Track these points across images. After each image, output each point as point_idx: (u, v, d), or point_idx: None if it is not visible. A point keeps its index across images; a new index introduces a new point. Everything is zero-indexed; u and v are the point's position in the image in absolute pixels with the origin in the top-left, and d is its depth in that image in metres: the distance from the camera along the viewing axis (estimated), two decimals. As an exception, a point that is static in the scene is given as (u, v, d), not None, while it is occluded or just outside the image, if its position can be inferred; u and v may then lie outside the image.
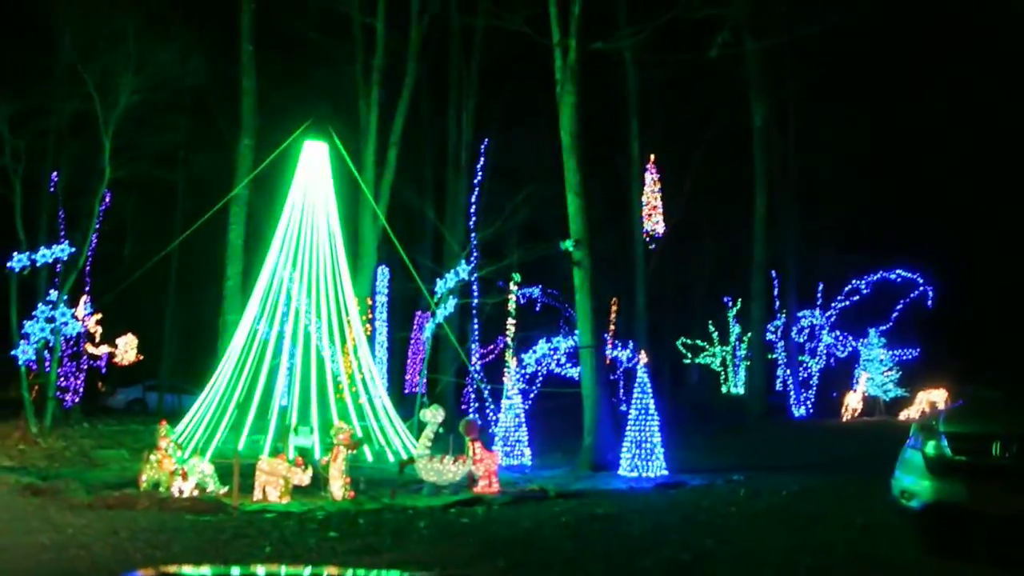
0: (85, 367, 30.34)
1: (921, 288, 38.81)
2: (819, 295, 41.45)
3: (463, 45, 31.98)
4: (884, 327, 39.01)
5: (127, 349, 32.81)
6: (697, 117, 39.83)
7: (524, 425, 20.91)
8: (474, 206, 30.33)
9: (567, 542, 9.86)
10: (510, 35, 31.70)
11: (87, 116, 23.81)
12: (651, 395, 18.81)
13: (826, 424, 31.04)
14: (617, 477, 18.31)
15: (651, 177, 44.11)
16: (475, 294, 29.78)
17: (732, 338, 50.47)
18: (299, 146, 19.82)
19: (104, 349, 32.25)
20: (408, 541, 9.93)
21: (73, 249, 21.31)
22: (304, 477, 14.25)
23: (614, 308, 41.79)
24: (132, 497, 13.19)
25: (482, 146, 30.07)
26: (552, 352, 28.21)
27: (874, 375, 31.70)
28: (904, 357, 32.68)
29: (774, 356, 41.73)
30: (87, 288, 28.70)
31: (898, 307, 39.35)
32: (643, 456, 18.33)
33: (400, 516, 12.07)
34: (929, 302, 38.93)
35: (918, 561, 8.57)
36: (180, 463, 14.24)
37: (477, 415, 20.75)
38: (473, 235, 29.78)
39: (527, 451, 20.68)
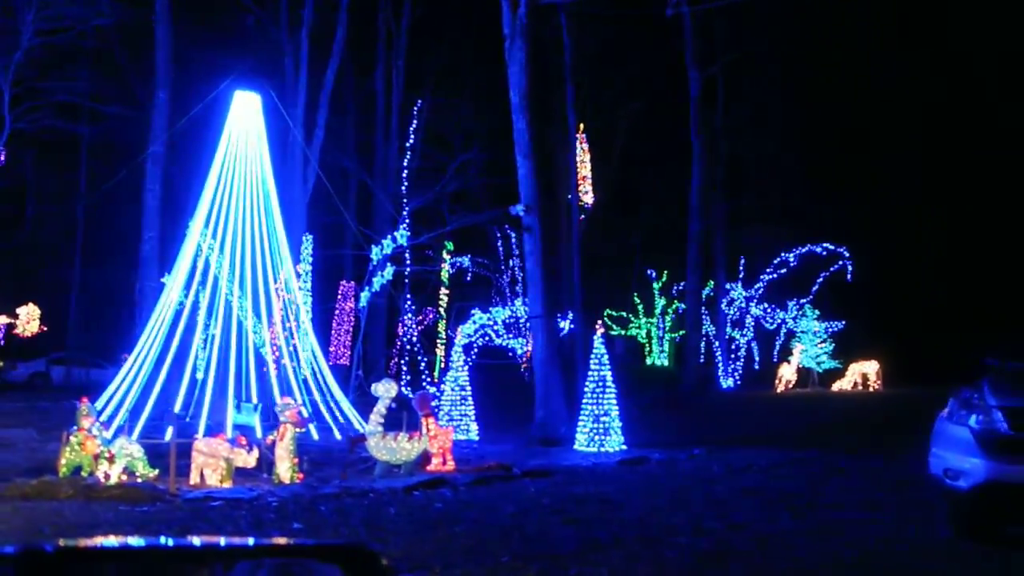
0: (-20, 339, 27.92)
1: (842, 262, 39.30)
2: (741, 268, 41.63)
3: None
4: (805, 299, 39.44)
5: (29, 319, 30.30)
6: (627, 87, 39.15)
7: (471, 399, 19.88)
8: (405, 171, 28.95)
9: (564, 529, 8.92)
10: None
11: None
12: (608, 366, 18.01)
13: (761, 396, 31.02)
14: (574, 452, 17.48)
15: (580, 147, 43.30)
16: (408, 263, 28.46)
17: (657, 310, 50.45)
18: (224, 101, 18.16)
19: (2, 320, 29.69)
20: (385, 532, 8.82)
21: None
22: (249, 459, 12.91)
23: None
24: (52, 485, 11.62)
25: (415, 108, 28.65)
26: (491, 323, 27.19)
27: (808, 347, 31.80)
28: (831, 329, 32.92)
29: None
30: (-19, 254, 26.22)
31: (819, 280, 39.83)
32: (601, 431, 17.54)
33: (363, 501, 10.93)
34: (848, 276, 39.48)
35: (954, 544, 7.92)
36: (105, 445, 12.69)
37: (426, 389, 19.61)
38: (405, 201, 28.39)
39: (474, 426, 19.69)
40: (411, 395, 17.53)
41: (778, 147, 41.11)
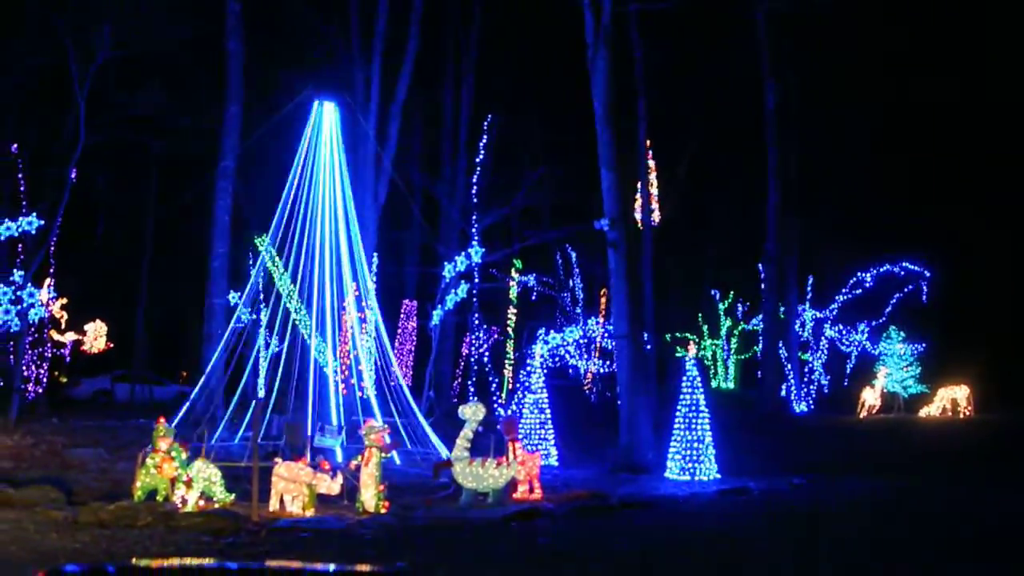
0: (48, 356, 27.65)
1: (917, 282, 37.65)
2: (809, 288, 40.09)
3: (462, 10, 29.66)
4: (877, 320, 37.81)
5: (96, 336, 30.16)
6: (696, 101, 38.10)
7: (550, 422, 18.96)
8: (475, 187, 28.23)
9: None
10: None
11: (55, 78, 21.26)
12: (701, 390, 16.97)
13: (841, 421, 29.48)
14: (665, 480, 16.46)
15: (644, 162, 42.28)
16: (476, 281, 27.66)
17: (722, 332, 49.01)
18: (295, 115, 17.68)
19: (70, 336, 29.53)
20: (505, 573, 7.89)
21: (42, 222, 18.79)
22: (333, 485, 12.15)
23: (603, 297, 40.05)
24: (130, 511, 10.94)
25: (484, 123, 27.94)
26: (563, 343, 26.23)
27: (893, 371, 30.26)
28: (916, 352, 31.31)
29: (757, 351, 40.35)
30: (51, 270, 25.97)
31: (892, 300, 38.20)
32: (694, 458, 16.48)
33: (461, 535, 10.04)
34: (924, 297, 37.77)
35: None
36: (183, 468, 12.02)
37: (515, 412, 18.68)
38: (475, 217, 27.62)
39: (553, 451, 18.74)
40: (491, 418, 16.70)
41: (854, 160, 39.68)
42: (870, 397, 29.77)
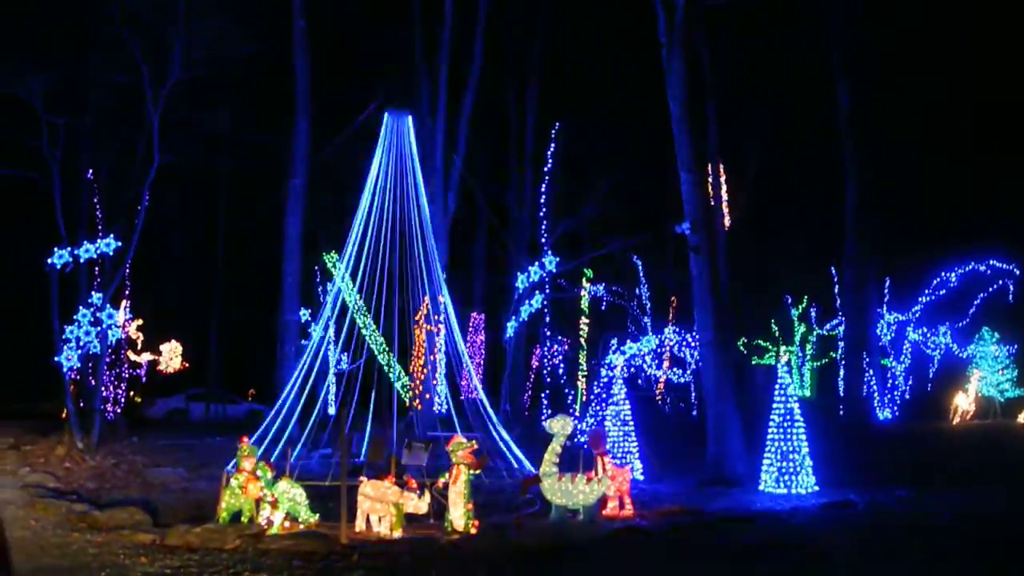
0: (126, 376, 27.97)
1: (1002, 281, 36.00)
2: (886, 291, 38.63)
3: (526, 18, 29.30)
4: (961, 322, 36.26)
5: (172, 356, 30.49)
6: (764, 103, 37.16)
7: (634, 434, 18.31)
8: (543, 196, 27.77)
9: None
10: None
11: (129, 98, 21.41)
12: (795, 398, 16.19)
13: (932, 428, 28.17)
14: (760, 494, 15.70)
15: (714, 169, 41.37)
16: (547, 291, 27.15)
17: (796, 338, 47.69)
18: (365, 131, 17.43)
19: (146, 357, 29.87)
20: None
21: (119, 244, 18.88)
22: (421, 504, 11.71)
23: (672, 306, 39.19)
24: (217, 534, 10.66)
25: (552, 131, 27.49)
26: (639, 353, 25.55)
27: (987, 374, 28.84)
28: (1011, 353, 29.80)
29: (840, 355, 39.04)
30: (127, 292, 26.26)
31: (976, 301, 36.60)
32: (790, 469, 15.68)
33: (566, 557, 9.48)
34: (1011, 296, 36.07)
35: None
36: (269, 488, 11.71)
37: (598, 424, 18.10)
38: (544, 226, 27.12)
39: (638, 464, 18.08)
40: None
41: (933, 158, 38.22)
42: (963, 402, 28.41)
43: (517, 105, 29.71)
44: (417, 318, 20.62)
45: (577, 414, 28.70)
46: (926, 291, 36.76)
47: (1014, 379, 28.66)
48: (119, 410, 26.45)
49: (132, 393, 32.95)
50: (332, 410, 26.55)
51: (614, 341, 32.03)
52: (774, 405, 16.21)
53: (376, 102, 17.57)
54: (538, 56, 29.68)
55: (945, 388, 34.05)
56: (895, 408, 35.39)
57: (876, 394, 35.35)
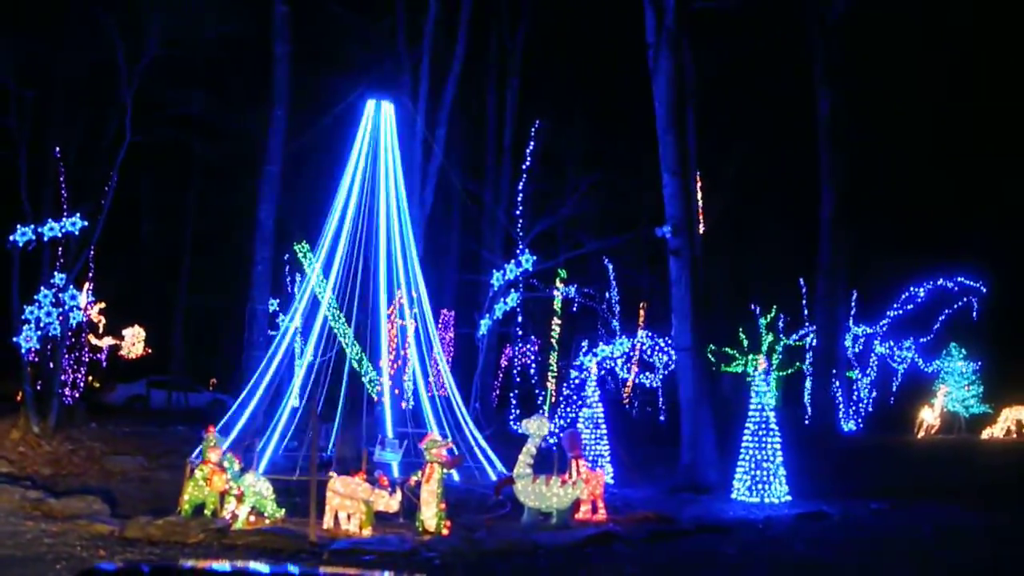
0: (86, 360, 27.22)
1: (967, 298, 36.38)
2: (853, 302, 38.84)
3: (510, 12, 28.93)
4: (925, 337, 36.63)
5: (134, 341, 29.68)
6: (743, 110, 37.16)
7: (606, 438, 18.11)
8: (520, 194, 27.52)
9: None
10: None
11: (101, 74, 20.79)
12: (771, 407, 16.07)
13: (897, 441, 28.32)
14: (732, 502, 15.56)
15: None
16: (520, 290, 26.86)
17: (764, 347, 47.86)
18: (343, 119, 17.02)
19: (108, 341, 29.07)
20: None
21: (85, 223, 18.28)
22: (392, 502, 11.39)
23: (642, 310, 39.14)
24: (180, 528, 10.25)
25: (532, 128, 27.23)
26: (611, 356, 25.37)
27: (954, 389, 29.04)
28: (978, 370, 30.04)
29: (803, 366, 39.28)
30: (90, 274, 25.55)
31: (941, 317, 36.97)
32: (763, 478, 15.55)
33: (538, 562, 9.21)
34: (975, 313, 36.48)
35: None
36: (236, 481, 11.31)
37: (575, 426, 17.78)
38: (520, 224, 26.87)
39: (609, 468, 17.87)
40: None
41: (903, 171, 38.47)
42: (929, 416, 28.58)
43: (497, 101, 29.37)
44: (390, 311, 20.28)
45: (546, 415, 28.46)
46: (895, 305, 37.01)
47: (979, 395, 28.87)
48: (77, 395, 25.73)
49: (91, 378, 32.17)
50: (296, 402, 26.11)
51: (584, 343, 31.93)
52: (750, 413, 16.08)
53: (360, 89, 17.09)
54: (519, 51, 29.36)
55: (908, 402, 34.32)
56: (859, 420, 35.63)
57: (841, 406, 35.54)
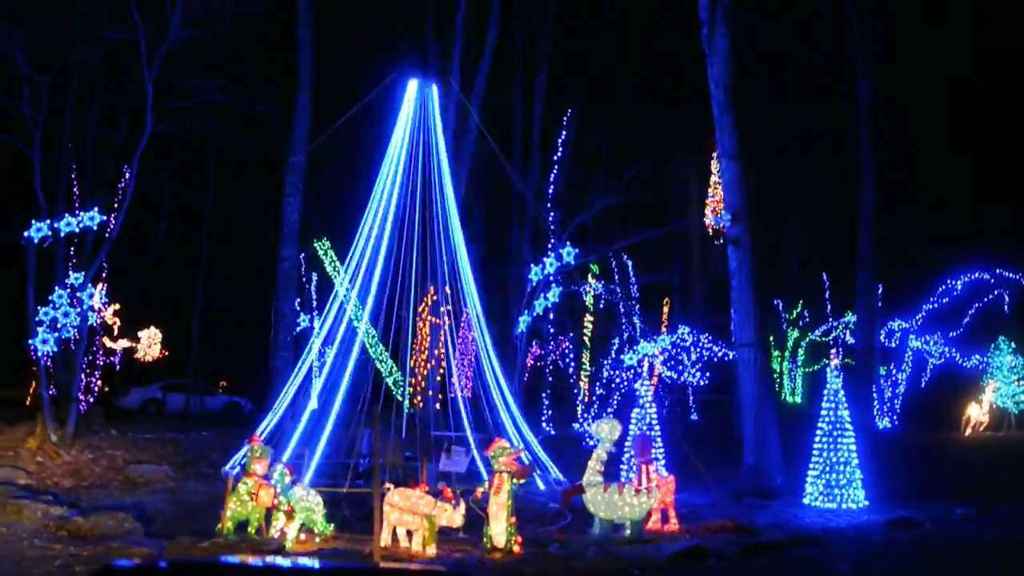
0: (100, 363, 26.14)
1: (998, 291, 35.27)
2: (879, 296, 37.69)
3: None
4: (955, 331, 35.51)
5: (150, 343, 28.59)
6: (774, 96, 35.98)
7: (660, 439, 16.97)
8: (552, 187, 26.43)
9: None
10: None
11: (118, 60, 19.72)
12: (846, 406, 14.96)
13: (941, 439, 27.11)
14: (805, 508, 14.48)
15: (717, 167, 40.23)
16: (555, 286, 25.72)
17: (789, 343, 46.75)
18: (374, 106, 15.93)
19: (123, 343, 27.97)
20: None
21: (104, 218, 17.21)
22: (455, 516, 10.30)
23: (665, 306, 37.99)
24: (227, 549, 9.16)
25: (564, 118, 26.13)
26: (651, 354, 24.25)
27: (1003, 385, 27.88)
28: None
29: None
30: (104, 274, 24.43)
31: (971, 309, 35.86)
32: (840, 482, 14.44)
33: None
34: (1006, 307, 35.37)
35: None
36: (286, 496, 10.22)
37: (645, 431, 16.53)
38: (552, 217, 25.76)
39: (664, 472, 16.73)
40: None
41: (937, 162, 37.31)
42: (976, 413, 27.38)
43: (524, 88, 28.20)
44: (421, 309, 19.19)
45: (579, 417, 27.39)
46: (931, 298, 35.86)
47: (1032, 391, 27.65)
48: (91, 399, 24.62)
49: (100, 382, 31.09)
50: (315, 404, 25.13)
51: (615, 341, 30.82)
52: (822, 412, 15.00)
53: (393, 74, 15.98)
54: (548, 39, 28.20)
55: (942, 398, 33.11)
56: (893, 417, 34.49)
57: (876, 403, 34.40)
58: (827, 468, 14.56)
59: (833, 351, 16.34)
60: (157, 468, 16.50)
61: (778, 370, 47.64)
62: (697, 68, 30.10)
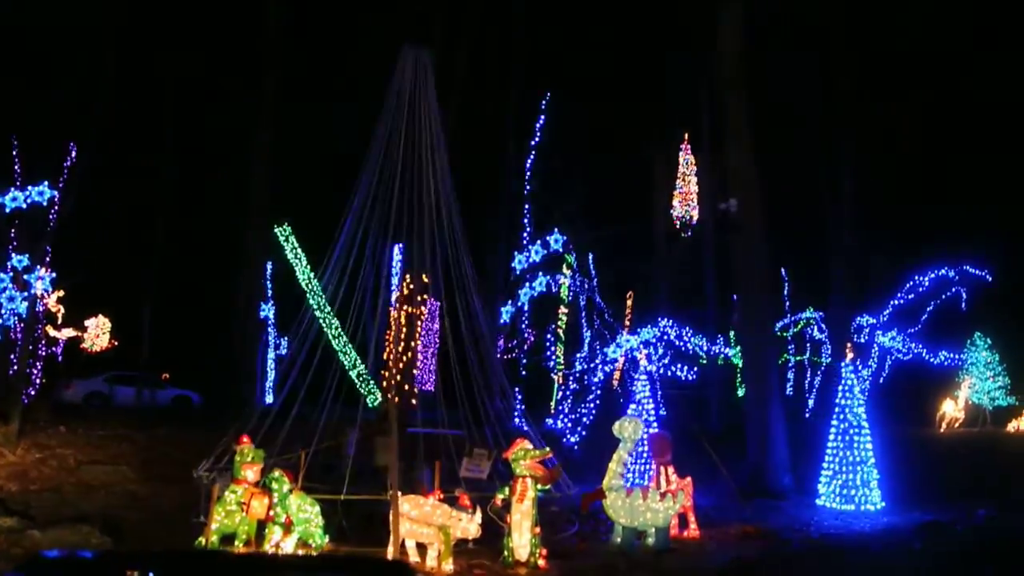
0: (42, 354, 24.26)
1: (955, 289, 35.33)
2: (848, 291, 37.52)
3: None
4: (913, 328, 35.49)
5: (98, 333, 26.69)
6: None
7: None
8: (528, 173, 25.37)
9: None
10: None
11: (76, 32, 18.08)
12: (861, 402, 14.21)
13: (917, 435, 26.74)
14: (820, 509, 13.71)
15: (685, 158, 39.70)
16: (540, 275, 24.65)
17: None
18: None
19: (68, 332, 26.08)
20: None
21: (54, 192, 15.66)
22: (471, 526, 9.19)
23: (629, 300, 37.27)
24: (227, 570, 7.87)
25: (542, 103, 25.10)
26: (632, 348, 23.39)
27: (978, 381, 27.66)
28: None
29: (789, 357, 37.92)
30: (47, 258, 22.60)
31: (929, 308, 35.87)
32: (856, 482, 13.68)
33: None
34: (963, 304, 35.43)
35: None
36: (283, 506, 8.99)
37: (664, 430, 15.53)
38: (527, 207, 24.72)
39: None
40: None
41: (904, 157, 37.20)
42: (951, 409, 27.09)
43: (501, 71, 27.02)
44: (397, 298, 18.06)
45: (552, 412, 26.39)
46: (899, 294, 35.73)
47: (1007, 387, 27.45)
48: (33, 393, 22.79)
49: (42, 375, 29.05)
50: (270, 398, 23.72)
51: (587, 333, 29.93)
52: (836, 409, 14.24)
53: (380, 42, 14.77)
54: (522, 25, 27.10)
55: (905, 394, 32.95)
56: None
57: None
58: (843, 468, 13.80)
59: (849, 346, 15.40)
60: (114, 469, 14.98)
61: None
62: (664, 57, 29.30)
